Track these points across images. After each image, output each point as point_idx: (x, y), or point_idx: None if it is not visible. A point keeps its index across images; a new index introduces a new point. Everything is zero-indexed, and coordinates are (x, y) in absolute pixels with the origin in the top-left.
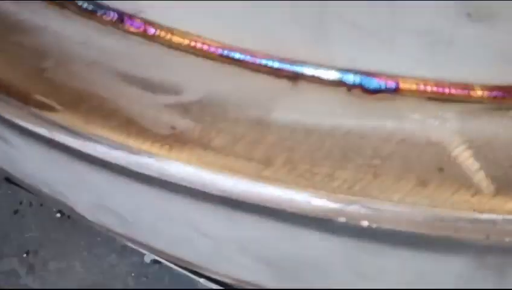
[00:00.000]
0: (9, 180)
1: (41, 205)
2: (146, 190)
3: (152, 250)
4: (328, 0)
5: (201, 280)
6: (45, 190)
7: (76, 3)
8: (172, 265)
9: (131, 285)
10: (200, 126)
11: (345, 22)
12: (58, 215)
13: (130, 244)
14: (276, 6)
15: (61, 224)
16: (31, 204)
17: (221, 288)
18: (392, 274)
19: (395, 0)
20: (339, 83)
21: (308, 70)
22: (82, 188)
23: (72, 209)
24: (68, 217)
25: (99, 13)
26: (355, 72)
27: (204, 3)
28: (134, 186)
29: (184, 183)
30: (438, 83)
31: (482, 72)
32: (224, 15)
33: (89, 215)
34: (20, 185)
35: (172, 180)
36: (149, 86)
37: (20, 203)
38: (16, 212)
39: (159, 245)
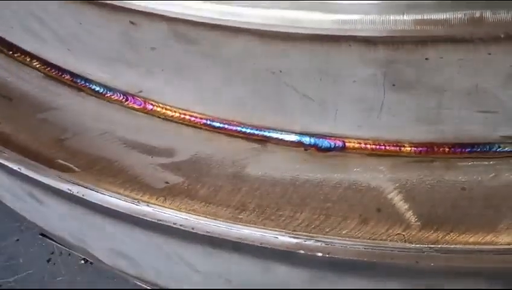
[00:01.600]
0: (43, 235)
1: (69, 254)
2: (146, 233)
3: (156, 286)
4: (282, 77)
5: None
6: (71, 240)
7: (90, 87)
8: None
9: None
10: (188, 181)
11: (297, 94)
12: (83, 262)
13: (139, 283)
14: (244, 85)
15: (85, 269)
16: (61, 253)
17: None
18: None
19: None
20: (298, 144)
21: (273, 134)
22: (99, 237)
23: (93, 256)
24: (91, 263)
25: (108, 94)
26: (311, 134)
27: (191, 85)
28: (138, 231)
29: (176, 227)
30: (375, 142)
31: (410, 131)
32: (205, 93)
33: (106, 260)
34: (52, 239)
35: (167, 225)
36: (148, 150)
37: (52, 253)
38: (48, 260)
39: (162, 282)
